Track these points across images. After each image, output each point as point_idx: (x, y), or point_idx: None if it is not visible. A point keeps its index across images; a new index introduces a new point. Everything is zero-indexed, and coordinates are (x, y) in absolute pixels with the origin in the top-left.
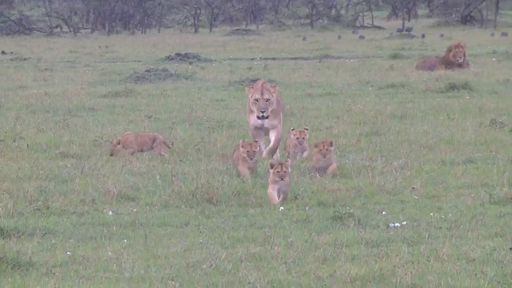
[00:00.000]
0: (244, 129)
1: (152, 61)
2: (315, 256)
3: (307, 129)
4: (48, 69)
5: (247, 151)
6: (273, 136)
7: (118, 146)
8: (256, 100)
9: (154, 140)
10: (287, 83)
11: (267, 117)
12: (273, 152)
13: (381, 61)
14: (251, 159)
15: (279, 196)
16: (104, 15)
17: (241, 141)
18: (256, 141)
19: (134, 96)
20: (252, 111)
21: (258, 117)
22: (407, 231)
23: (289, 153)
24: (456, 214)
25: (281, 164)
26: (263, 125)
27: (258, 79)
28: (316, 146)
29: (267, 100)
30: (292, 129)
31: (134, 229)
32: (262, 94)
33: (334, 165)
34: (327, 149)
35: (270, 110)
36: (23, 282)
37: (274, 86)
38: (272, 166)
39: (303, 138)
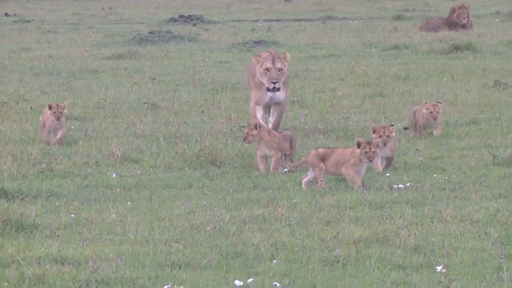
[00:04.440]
0: (248, 91)
1: (156, 23)
2: (318, 218)
3: (440, 102)
4: (51, 31)
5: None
6: (275, 112)
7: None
8: (267, 70)
9: None
10: (291, 45)
11: (278, 89)
12: (276, 129)
13: (385, 22)
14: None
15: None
16: None
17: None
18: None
19: (138, 58)
20: (257, 85)
21: (269, 90)
22: (411, 192)
23: (419, 126)
24: (460, 175)
25: (369, 144)
26: (272, 99)
27: (261, 41)
28: (375, 131)
29: (279, 70)
30: (425, 102)
31: (138, 191)
32: (273, 63)
33: (392, 156)
34: (388, 135)
35: (282, 81)
36: (27, 245)
37: (285, 54)
38: (359, 145)
39: (437, 112)
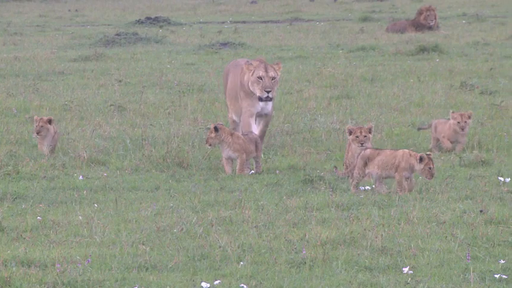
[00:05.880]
0: (215, 92)
1: (122, 25)
2: (285, 220)
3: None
4: (17, 33)
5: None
6: (262, 122)
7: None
8: (260, 78)
9: None
10: (257, 47)
11: (271, 99)
12: (262, 139)
13: (351, 24)
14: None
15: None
16: None
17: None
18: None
19: (104, 60)
20: (247, 94)
21: (261, 99)
22: (378, 194)
23: (437, 140)
24: None
25: (431, 159)
26: (263, 109)
27: (228, 43)
28: (351, 132)
29: (273, 78)
30: (452, 112)
31: (105, 193)
32: (266, 71)
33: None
34: (364, 136)
35: (275, 90)
36: None
37: (278, 63)
38: (422, 160)
39: (465, 122)
